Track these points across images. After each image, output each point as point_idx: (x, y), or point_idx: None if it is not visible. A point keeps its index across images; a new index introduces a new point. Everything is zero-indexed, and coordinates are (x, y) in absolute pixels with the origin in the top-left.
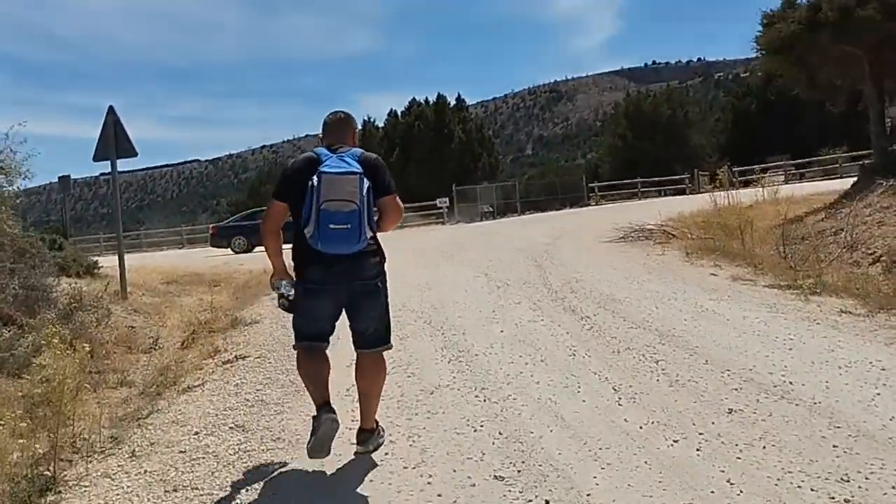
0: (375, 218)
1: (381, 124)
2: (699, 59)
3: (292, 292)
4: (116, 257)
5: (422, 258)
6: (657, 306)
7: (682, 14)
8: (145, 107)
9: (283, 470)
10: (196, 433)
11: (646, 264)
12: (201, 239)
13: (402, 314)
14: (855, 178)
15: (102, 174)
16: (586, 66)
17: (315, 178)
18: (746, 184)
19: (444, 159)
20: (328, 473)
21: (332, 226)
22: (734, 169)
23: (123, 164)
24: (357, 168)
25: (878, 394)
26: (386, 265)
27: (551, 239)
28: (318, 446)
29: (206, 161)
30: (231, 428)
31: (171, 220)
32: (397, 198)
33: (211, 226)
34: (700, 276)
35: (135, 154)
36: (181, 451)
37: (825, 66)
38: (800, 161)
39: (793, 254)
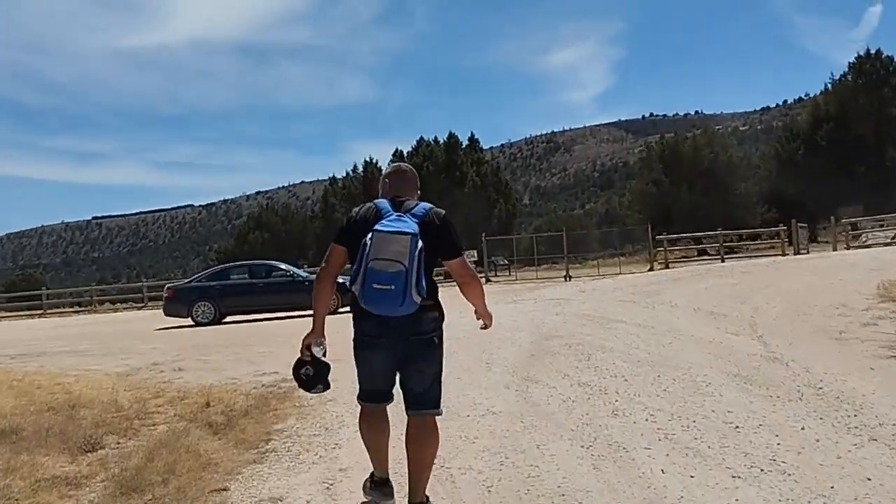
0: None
1: (384, 166)
2: (696, 112)
3: (323, 356)
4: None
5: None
6: None
7: (679, 68)
8: (139, 152)
9: None
10: None
11: None
12: None
13: None
14: None
15: (94, 217)
16: (582, 118)
17: (369, 235)
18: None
19: (456, 205)
20: None
21: (375, 286)
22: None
23: (116, 208)
24: (411, 229)
25: None
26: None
27: (757, 343)
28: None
29: (199, 206)
30: None
31: (163, 264)
32: (465, 259)
33: (167, 286)
34: None
35: None
36: None
37: None
38: None
39: None
